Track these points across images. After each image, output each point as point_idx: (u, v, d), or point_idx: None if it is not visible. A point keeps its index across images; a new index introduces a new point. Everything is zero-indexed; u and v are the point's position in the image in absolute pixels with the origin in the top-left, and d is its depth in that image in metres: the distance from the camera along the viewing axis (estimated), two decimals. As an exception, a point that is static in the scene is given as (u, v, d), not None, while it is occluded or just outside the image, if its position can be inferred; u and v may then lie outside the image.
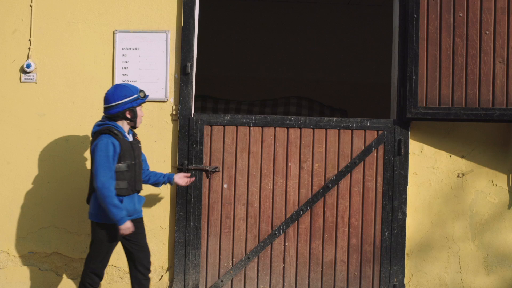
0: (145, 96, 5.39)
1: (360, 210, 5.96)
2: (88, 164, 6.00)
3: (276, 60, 6.04)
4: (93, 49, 6.08)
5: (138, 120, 5.40)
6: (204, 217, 5.96)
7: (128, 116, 5.34)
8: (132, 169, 5.29)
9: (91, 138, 5.41)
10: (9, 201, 6.05)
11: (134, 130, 5.54)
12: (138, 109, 5.37)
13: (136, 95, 5.32)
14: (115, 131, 5.25)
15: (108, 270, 6.01)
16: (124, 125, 5.35)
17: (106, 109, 5.32)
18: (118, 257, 6.00)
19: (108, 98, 5.31)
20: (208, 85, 6.20)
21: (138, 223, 5.45)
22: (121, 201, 5.21)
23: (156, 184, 5.67)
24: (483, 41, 5.83)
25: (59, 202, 6.04)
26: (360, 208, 5.96)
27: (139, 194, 5.47)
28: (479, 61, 5.83)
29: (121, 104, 5.27)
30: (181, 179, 5.69)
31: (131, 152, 5.31)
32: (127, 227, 5.17)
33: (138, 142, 5.49)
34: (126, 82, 5.98)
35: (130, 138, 5.40)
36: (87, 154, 6.02)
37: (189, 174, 5.78)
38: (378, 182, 5.95)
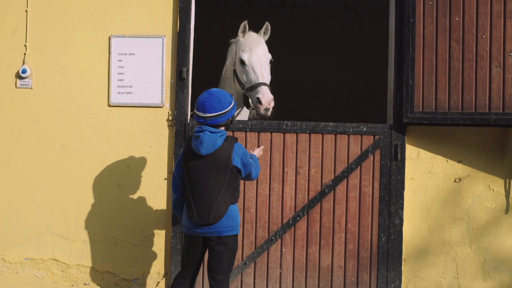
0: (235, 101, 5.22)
1: (357, 216, 5.94)
2: (84, 170, 5.99)
3: (272, 65, 6.02)
4: (89, 54, 6.07)
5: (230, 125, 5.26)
6: (200, 223, 5.93)
7: (229, 123, 5.14)
8: None
9: (214, 149, 4.94)
10: (5, 207, 6.03)
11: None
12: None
13: (233, 101, 5.10)
14: None
15: (104, 277, 6.01)
16: None
17: (213, 118, 4.96)
18: (115, 263, 6.00)
19: (215, 106, 4.95)
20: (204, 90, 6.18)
21: None
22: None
23: None
24: (480, 45, 5.82)
25: (55, 208, 6.02)
26: (357, 213, 5.94)
27: None
28: (475, 65, 5.82)
29: (229, 111, 5.02)
30: None
31: None
32: (260, 150, 5.43)
33: None
34: (123, 88, 5.95)
35: None
36: (83, 160, 6.00)
37: None
38: (374, 187, 5.93)
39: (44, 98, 6.06)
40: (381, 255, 5.93)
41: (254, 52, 6.00)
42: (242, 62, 5.98)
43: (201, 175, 4.95)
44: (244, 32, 6.13)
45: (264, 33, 6.23)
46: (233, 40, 6.29)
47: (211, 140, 4.90)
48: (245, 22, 6.12)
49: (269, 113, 5.78)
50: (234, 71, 6.09)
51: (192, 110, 6.00)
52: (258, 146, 5.81)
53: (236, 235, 5.04)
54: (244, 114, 6.35)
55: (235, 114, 5.30)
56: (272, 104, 5.77)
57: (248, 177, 5.12)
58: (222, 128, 5.06)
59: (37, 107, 6.05)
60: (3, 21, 6.08)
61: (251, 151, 5.36)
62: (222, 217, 4.93)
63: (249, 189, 5.94)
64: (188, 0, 6.01)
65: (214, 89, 5.16)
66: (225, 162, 4.92)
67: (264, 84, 5.84)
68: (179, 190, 5.15)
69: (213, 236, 4.96)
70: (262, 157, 5.92)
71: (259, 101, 5.74)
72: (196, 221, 4.96)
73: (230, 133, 5.89)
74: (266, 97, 5.74)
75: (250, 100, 5.99)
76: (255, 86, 5.85)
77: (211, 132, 4.94)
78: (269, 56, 6.08)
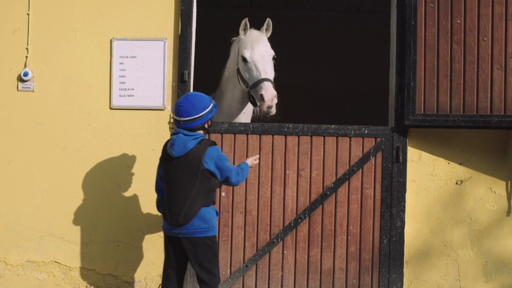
0: (216, 103, 5.25)
1: (358, 218, 5.94)
2: (85, 172, 5.99)
3: (274, 67, 6.03)
4: (90, 57, 6.07)
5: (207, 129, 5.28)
6: (202, 225, 5.93)
7: (207, 126, 5.19)
8: None
9: (181, 154, 5.00)
10: (6, 209, 6.03)
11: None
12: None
13: (212, 104, 5.14)
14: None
15: (106, 279, 6.00)
16: None
17: (186, 122, 5.03)
18: (116, 266, 6.00)
19: (189, 111, 5.02)
20: (207, 92, 6.20)
21: None
22: (218, 213, 5.18)
23: None
24: (481, 47, 5.82)
25: (56, 211, 6.02)
26: (359, 215, 5.94)
27: None
28: (477, 67, 5.82)
29: (204, 115, 5.06)
30: None
31: None
32: (253, 160, 5.44)
33: None
34: (125, 91, 5.95)
35: None
36: (85, 162, 6.00)
37: None
38: (376, 189, 5.93)
39: (46, 100, 6.06)
40: (382, 257, 5.93)
41: (256, 49, 5.93)
42: (244, 60, 5.93)
43: (174, 176, 5.05)
44: (245, 29, 6.09)
45: (266, 29, 6.16)
46: (235, 38, 6.27)
47: (182, 143, 4.99)
48: (246, 20, 6.07)
49: (272, 110, 5.65)
50: (238, 70, 6.07)
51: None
52: (260, 149, 5.82)
53: (210, 237, 5.07)
54: (248, 113, 6.33)
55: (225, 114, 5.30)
56: (275, 101, 5.65)
57: (227, 182, 5.14)
58: (200, 132, 5.13)
59: (39, 109, 6.05)
60: (4, 24, 6.09)
61: (246, 159, 5.47)
62: (192, 219, 4.98)
63: (251, 191, 5.94)
64: (190, 3, 6.01)
65: (191, 93, 5.29)
66: (196, 164, 4.97)
67: (267, 80, 5.76)
68: (161, 190, 5.24)
69: (184, 237, 5.04)
70: (263, 160, 5.92)
71: (262, 98, 5.65)
72: (169, 221, 5.07)
73: (230, 136, 5.89)
74: (269, 93, 5.64)
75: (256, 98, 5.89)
76: (258, 83, 5.77)
77: (184, 135, 5.03)
78: (271, 53, 6.02)
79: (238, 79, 6.08)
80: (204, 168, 4.98)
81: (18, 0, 6.08)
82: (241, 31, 6.10)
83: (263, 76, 5.78)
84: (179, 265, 5.17)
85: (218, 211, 5.27)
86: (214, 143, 5.10)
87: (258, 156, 5.60)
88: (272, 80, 5.83)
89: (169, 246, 5.16)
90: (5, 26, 6.09)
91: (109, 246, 6.01)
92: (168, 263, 5.18)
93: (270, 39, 6.15)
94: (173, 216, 5.03)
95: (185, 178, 4.99)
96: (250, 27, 6.12)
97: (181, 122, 5.06)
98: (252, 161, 5.46)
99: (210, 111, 5.11)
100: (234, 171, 5.11)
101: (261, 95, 5.65)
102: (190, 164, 4.98)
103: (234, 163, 5.88)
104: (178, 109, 5.08)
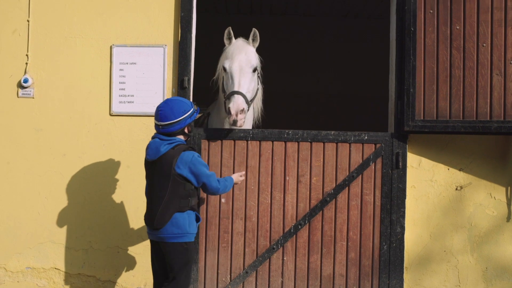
0: (198, 108, 5.29)
1: (358, 224, 5.94)
2: (85, 179, 5.99)
3: (273, 73, 6.03)
4: (90, 63, 6.08)
5: (188, 133, 5.30)
6: (202, 231, 5.94)
7: (187, 131, 5.24)
8: None
9: (156, 157, 5.09)
10: (6, 216, 6.04)
11: None
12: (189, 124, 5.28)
13: (192, 109, 5.18)
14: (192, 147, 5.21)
15: (106, 286, 6.00)
16: None
17: (165, 126, 5.09)
18: (116, 272, 6.00)
19: (167, 115, 5.08)
20: (206, 98, 6.21)
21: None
22: (197, 220, 5.20)
23: None
24: (480, 53, 5.83)
25: (56, 218, 6.02)
26: (359, 221, 5.94)
27: None
28: (476, 73, 5.83)
29: (183, 120, 5.11)
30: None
31: None
32: (239, 176, 5.45)
33: None
34: (125, 97, 5.96)
35: None
36: (85, 169, 6.01)
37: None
38: (376, 195, 5.93)
39: (46, 107, 6.07)
40: (382, 263, 5.92)
41: (236, 59, 5.82)
42: (225, 70, 5.87)
43: (151, 181, 5.17)
44: (229, 39, 6.02)
45: (253, 40, 6.01)
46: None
47: (155, 147, 5.08)
48: (229, 29, 6.00)
49: (237, 124, 5.53)
50: (222, 79, 6.02)
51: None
52: (260, 155, 5.83)
53: (183, 243, 5.09)
54: (248, 119, 6.27)
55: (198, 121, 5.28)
56: (241, 116, 5.54)
57: (206, 189, 5.16)
58: (180, 137, 5.18)
59: (39, 116, 6.06)
60: (4, 31, 6.10)
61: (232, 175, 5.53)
62: (165, 224, 5.04)
63: (251, 197, 5.94)
64: (189, 9, 6.02)
65: (172, 97, 5.36)
66: (168, 169, 5.02)
67: (238, 93, 5.64)
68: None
69: (159, 241, 5.13)
70: (263, 166, 5.92)
71: (229, 111, 5.55)
72: (147, 225, 5.20)
73: (229, 142, 5.90)
74: (235, 107, 5.53)
75: None
76: (229, 95, 5.69)
77: (160, 139, 5.11)
78: (253, 64, 5.87)
79: (220, 88, 6.06)
80: (176, 173, 5.02)
81: (18, 6, 6.10)
82: (225, 40, 6.03)
83: (235, 89, 5.69)
84: (161, 268, 5.23)
85: (199, 216, 5.24)
86: (191, 148, 5.15)
87: (243, 172, 5.64)
88: (246, 92, 5.71)
89: (152, 249, 5.27)
90: (5, 32, 6.10)
91: (109, 253, 6.02)
92: (153, 266, 5.29)
93: (269, 45, 6.14)
94: (149, 219, 5.12)
95: (159, 182, 5.07)
96: (238, 36, 6.05)
97: (160, 127, 5.12)
98: (237, 177, 5.51)
99: (190, 116, 5.16)
100: (213, 178, 5.12)
101: (228, 108, 5.58)
102: (163, 168, 5.04)
103: (233, 170, 5.89)
104: (157, 113, 5.14)
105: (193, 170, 5.04)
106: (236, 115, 5.53)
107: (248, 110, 5.75)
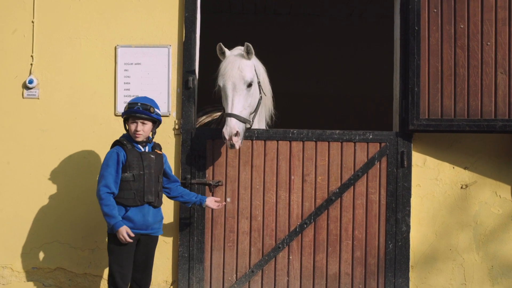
0: (132, 108, 5.25)
1: (363, 223, 5.94)
2: (90, 179, 6.01)
3: (277, 73, 6.03)
4: (95, 64, 6.10)
5: (132, 133, 5.31)
6: (207, 231, 5.95)
7: (126, 127, 5.42)
8: (140, 179, 5.24)
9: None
10: (12, 216, 6.05)
11: (160, 144, 5.58)
12: (130, 121, 5.31)
13: (126, 106, 5.39)
14: (124, 142, 5.29)
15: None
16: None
17: (143, 106, 5.33)
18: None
19: (148, 100, 5.40)
20: (211, 99, 6.21)
21: (147, 240, 5.36)
22: (126, 211, 5.21)
23: (187, 203, 5.65)
24: (485, 52, 5.83)
25: (62, 218, 6.04)
26: (364, 220, 5.94)
27: (158, 209, 5.42)
28: (480, 72, 5.83)
29: (156, 116, 5.37)
30: (212, 202, 5.66)
31: (140, 162, 5.25)
32: (120, 233, 5.10)
33: (156, 154, 5.40)
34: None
35: (143, 149, 5.35)
36: (90, 169, 6.03)
37: (219, 199, 5.77)
38: (381, 194, 5.94)
39: (51, 108, 6.08)
40: (388, 262, 5.93)
41: (228, 76, 5.57)
42: (219, 87, 5.69)
43: None
44: (222, 54, 5.75)
45: (248, 52, 5.67)
46: None
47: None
48: (220, 44, 5.72)
49: (235, 147, 5.44)
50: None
51: (195, 120, 6.04)
52: (265, 155, 5.85)
53: (109, 235, 5.29)
54: (260, 120, 6.18)
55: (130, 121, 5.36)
56: (236, 139, 5.41)
57: None
58: (125, 133, 5.43)
59: (44, 117, 6.08)
60: (9, 32, 6.12)
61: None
62: None
63: (256, 197, 5.95)
64: (194, 9, 6.03)
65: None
66: None
67: (230, 115, 5.46)
68: None
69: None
70: (269, 165, 5.94)
71: (223, 136, 5.45)
72: None
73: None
74: (228, 131, 5.40)
75: None
76: (224, 117, 5.57)
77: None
78: (247, 80, 5.58)
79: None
80: None
81: (23, 7, 6.12)
82: (219, 56, 5.77)
83: (228, 111, 5.52)
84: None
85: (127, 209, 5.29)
86: (114, 145, 5.34)
87: (219, 199, 5.77)
88: (241, 111, 5.53)
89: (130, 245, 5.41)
90: (10, 33, 6.12)
91: (115, 253, 6.02)
92: (129, 265, 5.44)
93: (275, 46, 6.12)
94: None
95: None
96: (231, 48, 5.82)
97: (138, 105, 5.27)
98: (212, 201, 5.66)
99: (159, 119, 5.41)
100: (100, 180, 5.26)
101: (223, 132, 5.46)
102: None
103: (239, 169, 5.91)
104: (136, 99, 5.42)
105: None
106: (230, 139, 5.41)
107: (251, 124, 5.72)
